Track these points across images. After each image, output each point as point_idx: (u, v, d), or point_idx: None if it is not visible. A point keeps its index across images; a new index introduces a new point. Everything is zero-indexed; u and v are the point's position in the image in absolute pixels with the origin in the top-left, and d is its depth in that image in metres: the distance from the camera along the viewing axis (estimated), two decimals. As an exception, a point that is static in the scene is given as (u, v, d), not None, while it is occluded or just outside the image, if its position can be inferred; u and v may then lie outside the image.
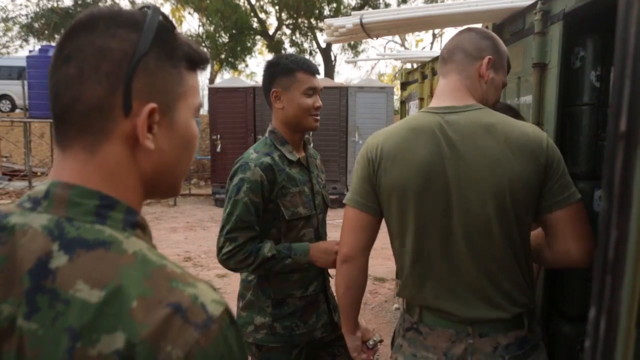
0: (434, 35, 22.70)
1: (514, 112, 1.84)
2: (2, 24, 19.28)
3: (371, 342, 1.50)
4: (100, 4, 20.29)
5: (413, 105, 3.93)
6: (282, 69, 1.66)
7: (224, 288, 4.80)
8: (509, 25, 2.27)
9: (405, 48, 18.76)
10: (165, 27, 0.60)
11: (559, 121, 1.86)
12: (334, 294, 1.83)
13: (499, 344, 1.15)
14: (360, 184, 1.27)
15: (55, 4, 19.05)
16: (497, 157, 1.14)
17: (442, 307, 1.19)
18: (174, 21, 0.65)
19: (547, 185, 1.16)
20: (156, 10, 0.60)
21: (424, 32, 21.22)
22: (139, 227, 0.59)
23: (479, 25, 2.52)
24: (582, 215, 1.19)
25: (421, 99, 3.59)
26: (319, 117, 1.71)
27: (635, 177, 0.41)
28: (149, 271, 0.53)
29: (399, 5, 17.12)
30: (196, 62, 0.64)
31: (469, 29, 1.34)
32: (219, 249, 1.62)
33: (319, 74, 1.74)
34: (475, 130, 1.17)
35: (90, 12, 0.59)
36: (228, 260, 1.59)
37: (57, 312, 0.50)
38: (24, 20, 19.03)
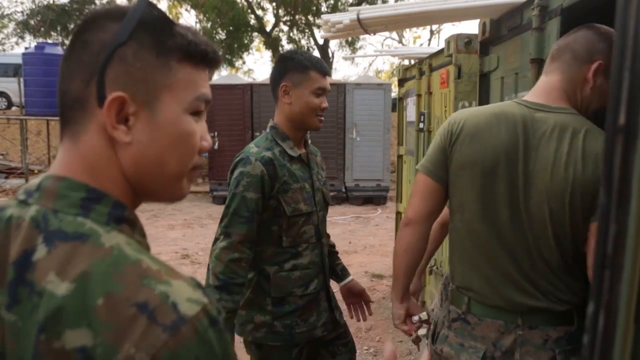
0: (432, 32, 22.68)
1: None
2: (-2, 21, 19.18)
3: (415, 318, 1.44)
4: (97, 1, 20.22)
5: (410, 102, 3.92)
6: (295, 65, 1.65)
7: (221, 285, 4.79)
8: (507, 20, 2.27)
9: (403, 44, 18.73)
10: (154, 18, 0.58)
11: (557, 117, 1.86)
12: (334, 293, 1.83)
13: (549, 337, 1.16)
14: (435, 152, 1.29)
15: (51, 1, 18.95)
16: (572, 164, 1.15)
17: (491, 294, 1.20)
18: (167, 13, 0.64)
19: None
20: (143, 1, 0.58)
21: (421, 28, 21.21)
22: (126, 222, 0.57)
23: (477, 21, 2.52)
24: None
25: (419, 96, 3.58)
26: (323, 118, 1.71)
27: (634, 170, 0.40)
28: (122, 266, 0.51)
29: (396, 0, 17.09)
30: (193, 55, 0.61)
31: (588, 26, 1.28)
32: (215, 240, 1.62)
33: (330, 75, 1.73)
34: (558, 133, 1.17)
35: (94, 10, 0.60)
36: (220, 254, 1.57)
37: (33, 304, 0.49)
38: (19, 17, 18.94)
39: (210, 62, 0.63)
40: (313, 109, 1.65)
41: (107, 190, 0.57)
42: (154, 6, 0.59)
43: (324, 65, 1.69)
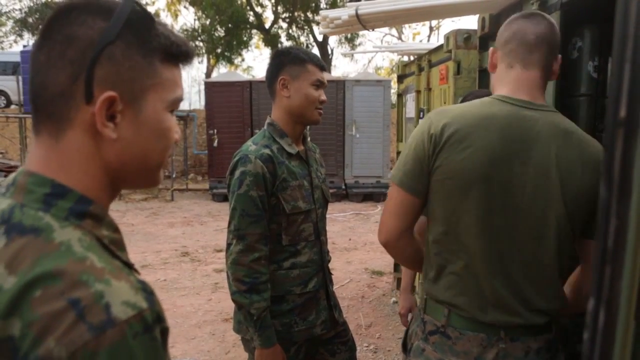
0: (431, 28, 22.62)
1: None
2: (-4, 19, 19.13)
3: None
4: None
5: (410, 98, 3.91)
6: (292, 58, 1.64)
7: (221, 283, 4.79)
8: (507, 15, 2.25)
9: (402, 41, 18.70)
10: (140, 17, 0.60)
11: (557, 112, 1.85)
12: (333, 290, 1.82)
13: (530, 348, 1.12)
14: (412, 162, 1.16)
15: (49, -1, 18.87)
16: (568, 167, 1.10)
17: (474, 310, 1.12)
18: (153, 12, 0.64)
19: None
20: (132, 1, 0.60)
21: (420, 24, 21.15)
22: (90, 217, 0.58)
23: (475, 17, 2.51)
24: None
25: (418, 92, 3.57)
26: (322, 111, 1.70)
27: (635, 164, 0.40)
28: (66, 261, 0.51)
29: (395, -3, 17.02)
30: (175, 55, 0.63)
31: (542, 15, 1.21)
32: (228, 246, 1.59)
33: (326, 70, 1.73)
34: (554, 134, 1.12)
35: (69, 1, 0.59)
36: (238, 258, 1.54)
37: None
38: (17, 15, 18.89)
39: (188, 61, 0.66)
40: (312, 101, 1.65)
41: (79, 185, 0.59)
42: (139, 4, 0.60)
43: (320, 59, 1.69)
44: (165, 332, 0.56)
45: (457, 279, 1.13)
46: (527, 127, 1.11)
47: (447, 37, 2.76)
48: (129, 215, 8.26)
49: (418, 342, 1.22)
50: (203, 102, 12.01)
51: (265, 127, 1.71)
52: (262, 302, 1.55)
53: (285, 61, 1.65)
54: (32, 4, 18.88)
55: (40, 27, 0.59)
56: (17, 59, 10.90)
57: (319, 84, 1.66)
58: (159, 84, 0.62)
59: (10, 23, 19.20)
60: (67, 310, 0.48)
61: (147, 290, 0.55)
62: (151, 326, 0.52)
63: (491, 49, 1.26)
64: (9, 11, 19.17)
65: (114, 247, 0.59)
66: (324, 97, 1.68)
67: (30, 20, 18.35)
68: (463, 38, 2.65)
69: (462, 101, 1.85)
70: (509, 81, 1.19)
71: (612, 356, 0.43)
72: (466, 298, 1.12)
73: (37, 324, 0.47)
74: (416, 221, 1.23)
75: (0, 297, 0.50)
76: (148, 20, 0.61)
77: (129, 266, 0.60)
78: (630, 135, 0.40)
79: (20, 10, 18.99)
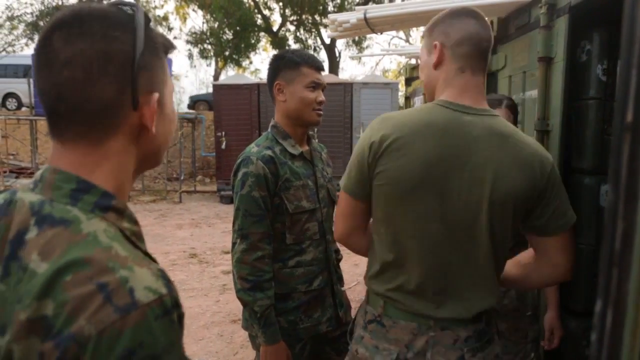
0: (439, 31, 22.53)
1: (512, 104, 1.83)
2: (8, 23, 19.36)
3: None
4: (105, 1, 20.27)
5: (418, 101, 3.91)
6: (286, 62, 1.67)
7: (229, 284, 4.81)
8: (514, 19, 2.26)
9: (410, 44, 18.68)
10: (147, 22, 0.66)
11: (565, 116, 1.85)
12: (341, 289, 1.83)
13: (459, 337, 1.16)
14: (356, 169, 1.22)
15: (60, 2, 19.09)
16: (502, 170, 1.12)
17: (408, 303, 1.19)
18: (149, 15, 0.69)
19: (543, 210, 1.17)
20: (139, 8, 0.65)
21: (428, 27, 21.04)
22: (113, 211, 0.64)
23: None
24: (573, 236, 1.23)
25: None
26: (321, 112, 1.71)
27: (642, 168, 0.40)
28: (93, 250, 0.57)
29: None
30: (168, 50, 0.71)
31: (483, 16, 1.22)
32: (233, 245, 1.63)
33: (323, 70, 1.74)
34: (489, 138, 1.13)
35: (77, 13, 0.62)
36: (242, 257, 1.58)
37: (18, 277, 0.56)
38: (29, 18, 19.11)
39: (171, 52, 0.74)
40: (308, 103, 1.66)
41: (111, 183, 0.65)
42: (142, 9, 0.66)
43: (316, 60, 1.70)
44: (181, 317, 0.61)
45: (394, 275, 1.20)
46: (465, 133, 1.13)
47: (455, 40, 2.76)
48: (137, 216, 8.24)
49: (359, 330, 1.29)
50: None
51: (269, 129, 1.74)
52: (265, 300, 1.57)
53: (280, 66, 1.68)
54: (43, 8, 19.10)
55: (43, 41, 0.61)
56: (29, 62, 11.03)
57: (315, 85, 1.67)
58: (167, 80, 0.70)
59: (21, 26, 19.44)
60: (96, 293, 0.53)
61: (165, 278, 0.60)
62: (170, 310, 0.57)
63: (437, 43, 1.20)
64: (21, 15, 19.42)
65: (134, 239, 0.65)
66: (321, 98, 1.69)
67: (41, 23, 18.54)
68: (471, 41, 2.65)
69: None
70: (456, 85, 1.19)
71: (620, 357, 0.43)
72: (400, 292, 1.19)
73: (69, 305, 0.53)
74: (367, 221, 1.31)
75: (35, 281, 0.55)
76: (149, 22, 0.67)
77: (149, 256, 0.65)
78: (637, 139, 0.41)
79: (31, 13, 19.21)
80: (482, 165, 1.12)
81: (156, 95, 0.66)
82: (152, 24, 0.68)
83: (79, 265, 0.55)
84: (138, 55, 0.63)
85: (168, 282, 0.59)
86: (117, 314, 0.53)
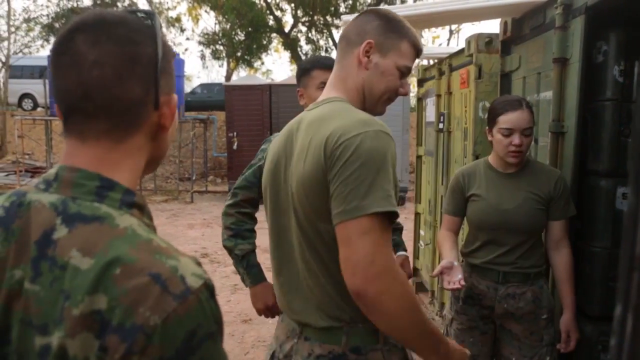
0: (451, 32, 22.45)
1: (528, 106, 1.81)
2: (25, 25, 19.68)
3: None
4: (119, 4, 20.56)
5: (430, 102, 3.89)
6: (302, 70, 1.85)
7: (240, 284, 4.83)
8: (529, 19, 2.24)
9: (422, 44, 18.58)
10: (160, 29, 0.70)
11: (581, 117, 1.83)
12: None
13: (313, 352, 1.09)
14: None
15: (75, 4, 19.36)
16: (298, 156, 1.06)
17: (280, 302, 1.20)
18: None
19: (330, 192, 0.98)
20: (156, 16, 0.70)
21: (440, 28, 21.01)
22: (136, 207, 0.66)
23: (498, 20, 2.49)
24: (361, 229, 0.93)
25: (438, 96, 3.56)
26: None
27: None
28: (136, 243, 0.59)
29: (415, 0, 16.98)
30: (173, 55, 0.76)
31: (365, 11, 1.22)
32: (226, 200, 1.86)
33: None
34: (307, 127, 1.07)
35: (101, 18, 0.66)
36: (227, 210, 1.82)
37: (54, 276, 0.57)
38: (45, 20, 19.40)
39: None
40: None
41: (128, 179, 0.67)
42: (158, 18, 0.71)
43: (326, 61, 1.82)
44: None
45: (273, 271, 1.22)
46: (299, 128, 1.11)
47: (468, 41, 2.74)
48: (149, 216, 8.39)
49: None
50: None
51: None
52: (246, 245, 1.80)
53: (299, 75, 1.87)
54: (58, 10, 19.38)
55: (65, 42, 0.64)
56: (45, 63, 11.20)
57: (324, 85, 1.73)
58: (173, 84, 0.74)
59: (37, 28, 19.74)
60: (151, 283, 0.56)
61: (200, 265, 0.64)
62: (213, 292, 0.61)
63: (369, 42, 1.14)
64: (37, 17, 19.73)
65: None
66: None
67: (56, 25, 18.82)
68: (484, 42, 2.64)
69: (494, 109, 1.84)
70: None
71: (640, 363, 0.43)
72: (276, 289, 1.22)
73: (125, 298, 0.55)
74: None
75: (82, 277, 0.56)
76: (161, 29, 0.71)
77: None
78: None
79: (47, 15, 19.50)
80: (297, 157, 1.07)
81: (175, 96, 0.71)
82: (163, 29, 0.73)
83: (126, 258, 0.57)
84: (160, 59, 0.67)
85: (203, 269, 0.63)
86: (176, 301, 0.56)
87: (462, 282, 1.63)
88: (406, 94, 1.21)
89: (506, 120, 1.74)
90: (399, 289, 0.93)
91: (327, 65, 1.78)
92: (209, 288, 0.60)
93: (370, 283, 0.91)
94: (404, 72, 1.17)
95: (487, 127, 1.86)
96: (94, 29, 0.64)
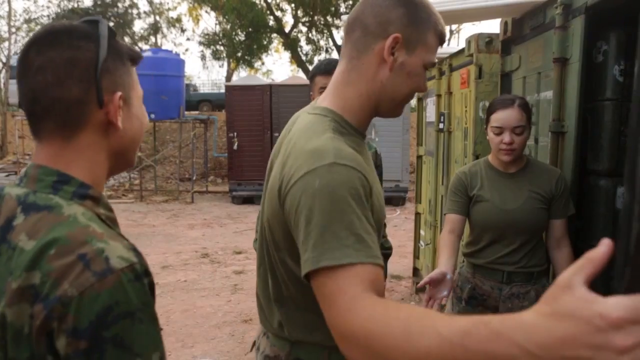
0: (451, 32, 22.43)
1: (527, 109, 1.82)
2: (25, 25, 19.70)
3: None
4: (119, 4, 20.58)
5: (430, 102, 3.89)
6: (309, 78, 1.96)
7: (240, 284, 4.83)
8: (529, 19, 2.24)
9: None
10: (112, 35, 0.76)
11: (581, 117, 1.83)
12: None
13: (265, 351, 1.10)
14: None
15: (75, 5, 19.39)
16: (274, 171, 0.96)
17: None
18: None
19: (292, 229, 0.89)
20: (103, 22, 0.76)
21: (441, 28, 20.89)
22: (89, 199, 0.73)
23: (498, 20, 2.49)
24: (330, 289, 0.78)
25: (439, 96, 3.56)
26: None
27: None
28: (75, 228, 0.67)
29: None
30: (135, 59, 0.81)
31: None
32: None
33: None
34: (287, 142, 0.97)
35: (50, 29, 0.74)
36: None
37: (8, 256, 0.67)
38: (45, 21, 19.41)
39: (138, 63, 0.83)
40: None
41: (86, 174, 0.74)
42: (107, 24, 0.76)
43: (325, 65, 1.90)
44: (152, 285, 0.70)
45: None
46: (288, 132, 1.02)
47: (468, 41, 2.74)
48: (150, 216, 8.40)
49: None
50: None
51: None
52: None
53: (310, 81, 2.02)
54: (59, 11, 19.40)
55: (22, 52, 0.73)
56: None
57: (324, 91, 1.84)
58: (133, 83, 0.80)
59: (38, 29, 19.75)
60: (77, 262, 0.63)
61: (136, 251, 0.70)
62: (140, 275, 0.67)
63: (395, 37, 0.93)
64: (38, 17, 19.75)
65: (109, 222, 0.75)
66: None
67: (57, 25, 18.85)
68: (485, 42, 2.64)
69: (489, 107, 1.85)
70: None
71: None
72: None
73: (54, 273, 0.63)
74: None
75: (23, 256, 0.65)
76: (114, 35, 0.77)
77: (122, 237, 0.74)
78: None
79: (48, 16, 19.53)
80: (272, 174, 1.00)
81: (118, 93, 0.75)
82: (117, 37, 0.79)
83: (62, 240, 0.65)
84: (101, 61, 0.72)
85: (139, 255, 0.69)
86: (94, 277, 0.62)
87: (445, 301, 1.60)
88: (426, 90, 1.03)
89: (496, 118, 1.77)
90: (382, 352, 0.68)
91: (326, 71, 1.89)
92: (135, 271, 0.66)
93: (345, 349, 0.75)
94: (428, 69, 1.00)
95: (484, 126, 1.88)
96: (42, 39, 0.72)
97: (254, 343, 1.22)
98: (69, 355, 0.61)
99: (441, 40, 0.99)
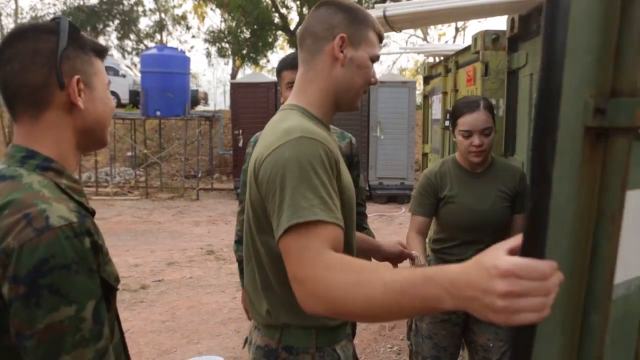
0: (457, 29, 22.36)
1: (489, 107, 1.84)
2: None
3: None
4: (125, 2, 20.63)
5: (436, 100, 3.88)
6: (276, 73, 1.97)
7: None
8: (536, 16, 2.22)
9: (428, 42, 18.52)
10: (74, 29, 0.88)
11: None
12: None
13: (256, 342, 1.15)
14: None
15: (81, 2, 19.47)
16: (250, 167, 1.06)
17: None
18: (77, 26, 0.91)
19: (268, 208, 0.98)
20: (64, 18, 0.88)
21: (446, 25, 20.93)
22: (52, 170, 0.85)
23: (504, 17, 2.48)
24: (297, 248, 0.87)
25: (445, 93, 3.54)
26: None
27: None
28: (28, 193, 0.78)
29: (421, -2, 16.86)
30: (99, 52, 0.92)
31: (322, 3, 1.14)
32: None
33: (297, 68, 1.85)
34: (262, 136, 1.09)
35: (20, 27, 0.87)
36: (237, 216, 1.99)
37: None
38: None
39: (105, 56, 0.95)
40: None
41: (52, 151, 0.85)
42: (70, 21, 0.88)
43: (292, 62, 1.86)
44: (95, 245, 0.79)
45: None
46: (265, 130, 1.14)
47: (475, 38, 2.73)
48: (155, 213, 8.44)
49: None
50: (228, 103, 12.15)
51: None
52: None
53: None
54: (65, 8, 19.49)
55: (3, 48, 0.84)
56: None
57: (290, 86, 1.86)
58: (98, 71, 0.91)
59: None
60: (21, 219, 0.75)
61: (82, 213, 0.80)
62: (79, 234, 0.77)
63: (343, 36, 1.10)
64: (44, 15, 19.83)
65: (70, 192, 0.85)
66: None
67: (63, 23, 18.92)
68: (491, 39, 2.62)
69: (454, 112, 1.92)
70: None
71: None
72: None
73: (4, 229, 0.75)
74: None
75: None
76: (77, 30, 0.89)
77: (86, 209, 0.85)
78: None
79: (54, 13, 19.61)
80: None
81: (76, 77, 0.86)
82: (81, 32, 0.91)
83: (15, 202, 0.77)
84: (61, 49, 0.84)
85: (83, 217, 0.80)
86: (34, 233, 0.73)
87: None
88: (376, 82, 1.17)
89: (464, 122, 1.83)
90: (336, 296, 0.79)
91: (292, 65, 1.87)
92: (73, 229, 0.76)
93: (309, 305, 0.84)
94: (374, 62, 1.14)
95: (451, 129, 1.94)
96: (12, 35, 0.85)
97: (246, 339, 1.26)
98: (11, 299, 0.73)
99: (380, 37, 1.15)
